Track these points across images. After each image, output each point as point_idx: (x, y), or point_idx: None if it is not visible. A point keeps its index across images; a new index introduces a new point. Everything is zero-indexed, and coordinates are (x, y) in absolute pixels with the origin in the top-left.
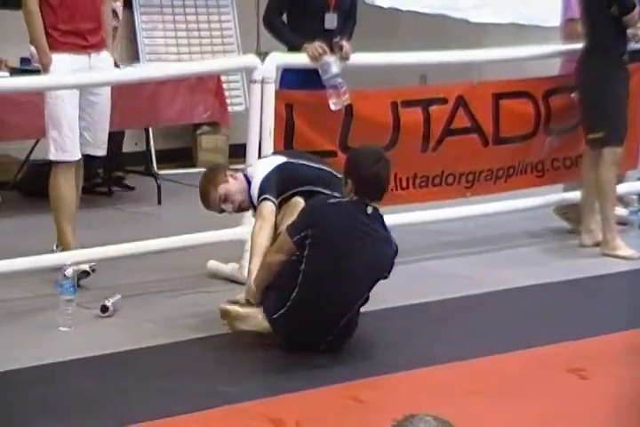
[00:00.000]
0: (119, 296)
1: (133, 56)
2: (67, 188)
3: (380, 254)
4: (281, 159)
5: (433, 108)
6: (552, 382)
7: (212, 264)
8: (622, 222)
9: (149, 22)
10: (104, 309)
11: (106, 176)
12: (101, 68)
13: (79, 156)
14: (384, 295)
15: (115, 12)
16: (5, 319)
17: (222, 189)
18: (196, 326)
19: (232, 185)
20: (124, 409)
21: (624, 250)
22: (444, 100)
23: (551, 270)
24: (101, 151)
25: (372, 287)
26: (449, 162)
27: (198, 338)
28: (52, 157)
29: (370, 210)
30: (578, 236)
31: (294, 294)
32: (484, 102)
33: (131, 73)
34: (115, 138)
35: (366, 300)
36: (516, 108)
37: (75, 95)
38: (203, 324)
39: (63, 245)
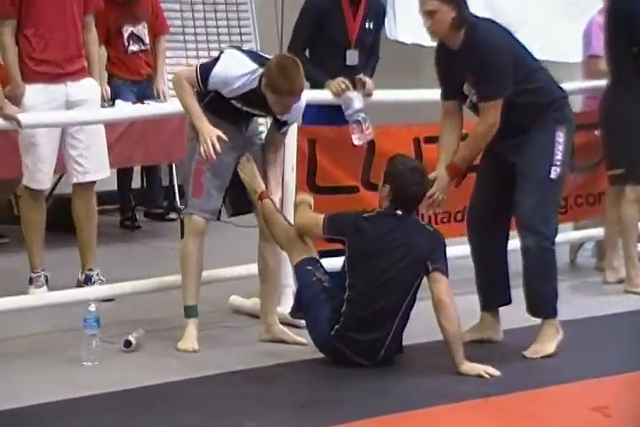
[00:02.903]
0: (142, 331)
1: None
2: (35, 213)
3: (414, 245)
4: None
5: None
6: (576, 421)
7: (235, 299)
8: None
9: (174, 57)
10: (127, 344)
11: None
12: (81, 94)
13: (48, 186)
14: (406, 331)
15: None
16: (29, 354)
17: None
18: (219, 360)
19: None
20: None
21: None
22: (465, 137)
23: (574, 307)
24: (103, 174)
25: (417, 283)
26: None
27: (221, 373)
28: (24, 181)
29: (400, 212)
30: (601, 273)
31: (344, 308)
32: None
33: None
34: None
35: (413, 302)
36: None
37: (53, 129)
38: (225, 359)
39: (30, 267)
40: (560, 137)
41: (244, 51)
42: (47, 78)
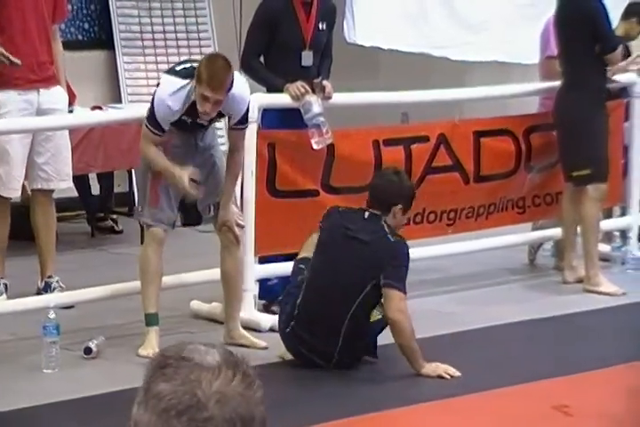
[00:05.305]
0: (103, 338)
1: (115, 97)
2: (0, 221)
3: (371, 249)
4: None
5: (414, 147)
6: (537, 419)
7: (195, 304)
8: (605, 259)
9: (132, 63)
10: (88, 351)
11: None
12: (52, 103)
13: (18, 194)
14: None
15: None
16: None
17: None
18: None
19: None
20: None
21: (606, 286)
22: (425, 139)
23: (534, 307)
24: (66, 184)
25: (367, 289)
26: (430, 199)
27: None
28: None
29: (367, 215)
30: (560, 272)
31: (299, 299)
32: (466, 140)
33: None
34: (107, 180)
35: (362, 308)
36: (498, 146)
37: (26, 135)
38: None
39: None
40: None
41: (175, 71)
42: (20, 84)
